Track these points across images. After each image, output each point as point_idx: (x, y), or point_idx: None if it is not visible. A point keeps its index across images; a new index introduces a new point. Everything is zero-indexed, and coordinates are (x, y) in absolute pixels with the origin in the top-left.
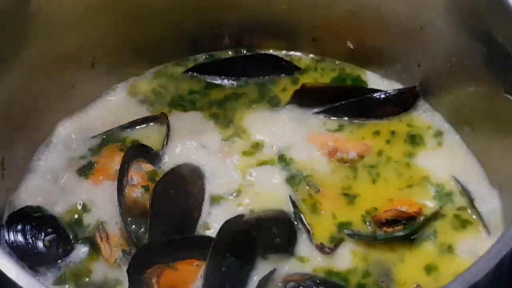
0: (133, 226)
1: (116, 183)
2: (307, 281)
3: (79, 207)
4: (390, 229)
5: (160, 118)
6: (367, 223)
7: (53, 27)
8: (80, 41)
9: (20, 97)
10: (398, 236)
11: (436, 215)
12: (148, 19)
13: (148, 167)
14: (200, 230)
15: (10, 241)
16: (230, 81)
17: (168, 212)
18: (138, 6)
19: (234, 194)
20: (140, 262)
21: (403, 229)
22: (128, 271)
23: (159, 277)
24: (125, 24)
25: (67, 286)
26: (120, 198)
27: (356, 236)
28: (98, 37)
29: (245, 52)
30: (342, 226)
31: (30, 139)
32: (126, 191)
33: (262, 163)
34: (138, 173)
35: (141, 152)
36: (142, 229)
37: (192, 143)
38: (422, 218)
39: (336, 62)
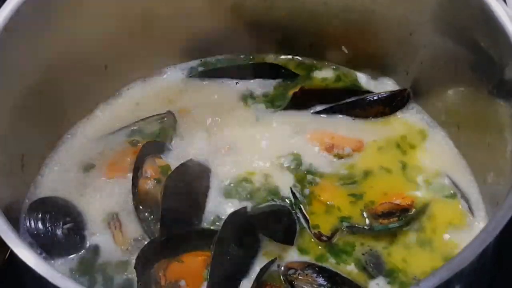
0: (145, 215)
1: (130, 175)
2: (306, 269)
3: (95, 198)
4: (385, 221)
5: (168, 116)
6: (364, 215)
7: (69, 32)
8: (94, 45)
9: (37, 98)
10: (393, 227)
11: (427, 207)
12: (156, 25)
13: (161, 162)
14: (205, 223)
15: (31, 228)
16: (232, 84)
17: (177, 204)
18: (148, 13)
19: (238, 189)
20: (147, 258)
21: (398, 221)
22: (135, 267)
23: (166, 270)
24: (136, 30)
25: (82, 272)
26: (134, 188)
27: (355, 228)
28: (111, 41)
29: (244, 56)
30: (341, 219)
31: (47, 136)
32: (140, 182)
33: (264, 160)
34: (152, 167)
35: (155, 147)
36: (152, 219)
37: (199, 140)
38: (414, 210)
39: (332, 66)
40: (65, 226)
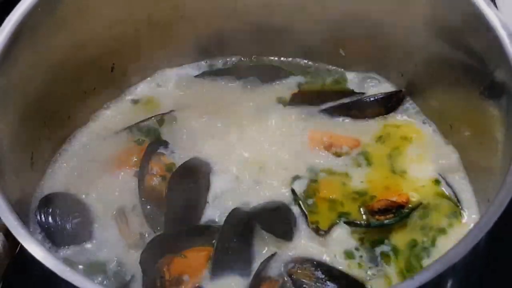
0: (150, 210)
1: (136, 172)
2: (304, 263)
3: (102, 194)
4: (382, 217)
5: (172, 116)
6: (362, 212)
7: (76, 34)
8: (100, 49)
9: (45, 99)
10: (389, 223)
11: (421, 204)
12: (161, 27)
13: (166, 160)
14: (207, 218)
15: (42, 222)
16: (234, 85)
17: (181, 201)
18: (153, 16)
19: (239, 186)
20: (152, 253)
21: (393, 217)
22: (141, 262)
23: (170, 265)
24: (141, 32)
25: (89, 265)
26: (140, 185)
27: (352, 224)
28: (118, 43)
29: (246, 57)
30: (339, 215)
31: (56, 136)
32: (146, 179)
33: (264, 158)
34: (158, 164)
35: (161, 146)
36: (157, 214)
37: (201, 139)
38: (409, 207)
39: (330, 68)
40: (74, 221)
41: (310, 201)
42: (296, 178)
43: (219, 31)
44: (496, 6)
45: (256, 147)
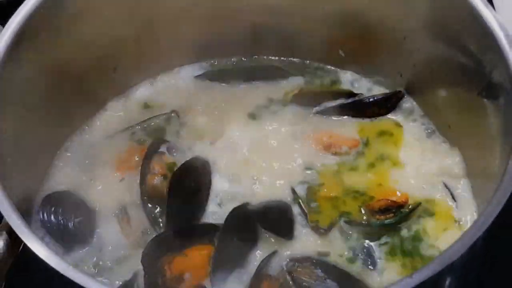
0: (152, 209)
1: (138, 171)
2: (305, 261)
3: (104, 193)
4: (382, 217)
5: (173, 116)
6: (362, 211)
7: (78, 38)
8: (103, 50)
9: (48, 99)
10: (389, 223)
11: (420, 204)
12: (162, 29)
13: (168, 159)
14: (207, 217)
15: (44, 221)
16: (234, 85)
17: (182, 199)
18: (154, 18)
19: (240, 185)
20: (153, 252)
21: (394, 217)
22: (142, 261)
23: (171, 264)
24: (143, 34)
25: (91, 263)
26: (142, 184)
27: (352, 223)
28: (120, 44)
29: (246, 58)
30: (340, 214)
31: (58, 135)
32: (148, 178)
33: (265, 158)
34: (159, 163)
35: (162, 145)
36: (159, 213)
37: (202, 139)
38: (409, 206)
39: (330, 68)
40: (76, 220)
41: (311, 201)
42: (296, 177)
43: (219, 31)
44: (494, 8)
45: (256, 147)
